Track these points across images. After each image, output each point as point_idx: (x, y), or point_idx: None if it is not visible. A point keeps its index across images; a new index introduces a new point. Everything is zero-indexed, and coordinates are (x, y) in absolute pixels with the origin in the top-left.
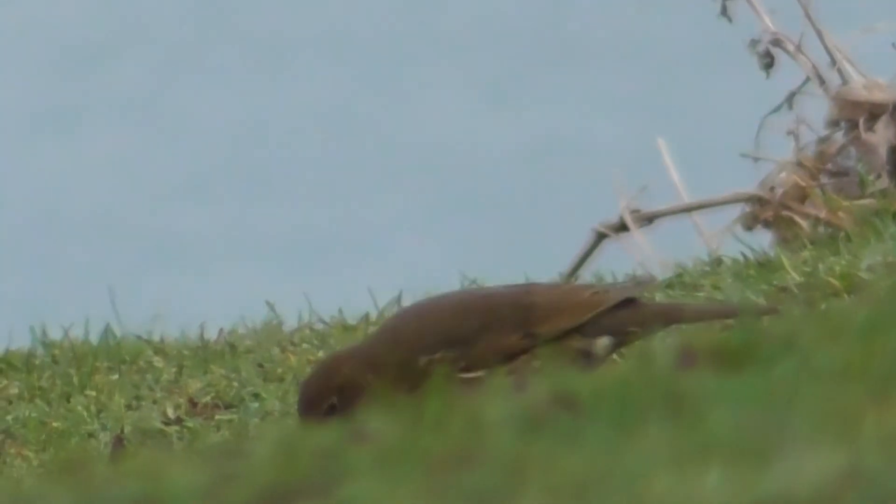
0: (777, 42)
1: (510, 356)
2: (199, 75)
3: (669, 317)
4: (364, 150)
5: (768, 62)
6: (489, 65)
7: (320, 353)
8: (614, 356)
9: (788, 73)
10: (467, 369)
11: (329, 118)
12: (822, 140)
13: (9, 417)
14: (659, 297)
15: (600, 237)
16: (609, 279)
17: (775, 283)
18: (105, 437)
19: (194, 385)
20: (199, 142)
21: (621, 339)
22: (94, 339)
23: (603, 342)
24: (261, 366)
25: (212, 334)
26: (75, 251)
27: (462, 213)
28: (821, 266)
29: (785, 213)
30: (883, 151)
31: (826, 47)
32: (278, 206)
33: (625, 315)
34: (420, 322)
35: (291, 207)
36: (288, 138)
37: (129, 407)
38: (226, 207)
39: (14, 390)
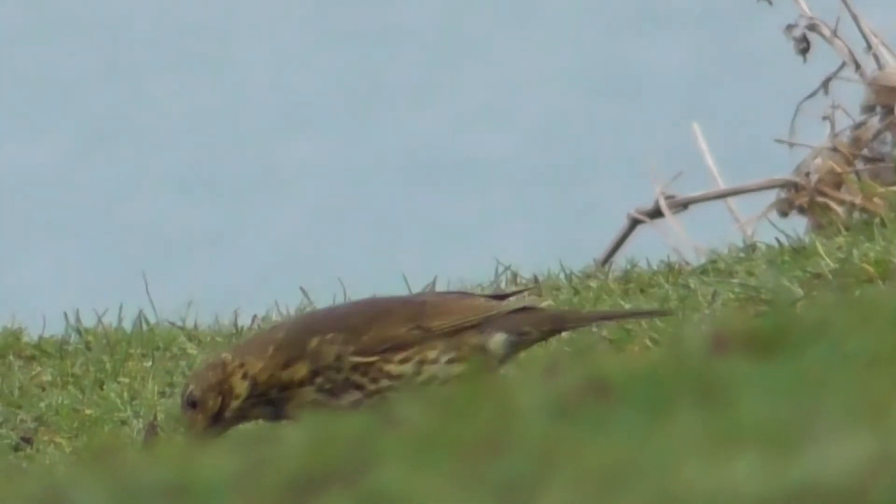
0: (813, 27)
1: (401, 346)
2: None
3: (560, 320)
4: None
5: (804, 47)
6: None
7: None
8: (514, 355)
9: (824, 58)
10: (360, 353)
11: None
12: (858, 125)
13: (42, 404)
14: (693, 284)
15: (635, 223)
16: (643, 265)
17: (809, 269)
18: (138, 425)
19: None
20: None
21: (517, 339)
22: (127, 325)
23: (498, 339)
24: None
25: (245, 321)
26: (106, 238)
27: (496, 200)
28: (855, 252)
29: (820, 199)
30: None
31: (862, 32)
32: (300, 196)
33: (518, 317)
34: (322, 313)
35: (313, 196)
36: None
37: (162, 394)
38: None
39: (47, 377)
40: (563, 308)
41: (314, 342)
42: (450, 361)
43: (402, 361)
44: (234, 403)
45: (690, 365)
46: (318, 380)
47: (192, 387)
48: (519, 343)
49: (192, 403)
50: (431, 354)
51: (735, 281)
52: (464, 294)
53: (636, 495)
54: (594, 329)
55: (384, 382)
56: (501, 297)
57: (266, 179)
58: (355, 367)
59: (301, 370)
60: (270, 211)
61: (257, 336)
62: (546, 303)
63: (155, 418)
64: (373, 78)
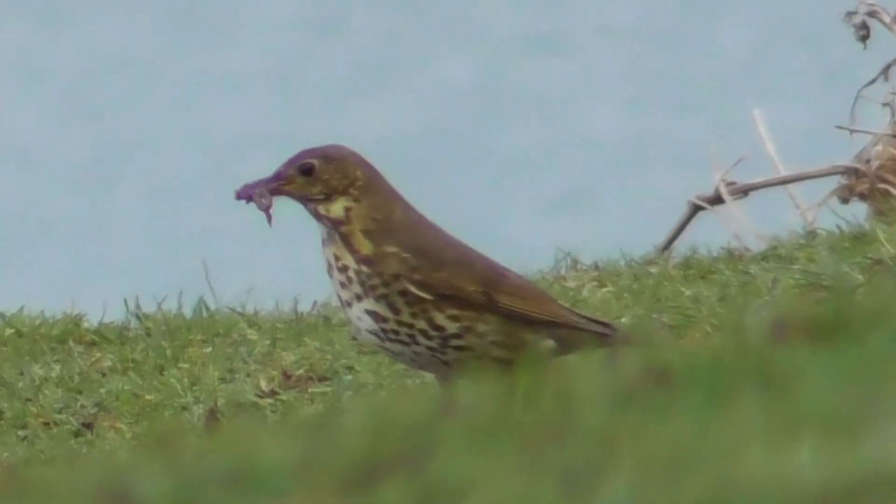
0: (873, 13)
1: (460, 300)
2: None
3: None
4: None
5: (864, 34)
6: None
7: None
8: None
9: (884, 45)
10: (421, 284)
11: None
12: None
13: (102, 390)
14: (754, 270)
15: (696, 209)
16: (704, 252)
17: (870, 255)
18: (198, 410)
19: (288, 358)
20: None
21: (562, 350)
22: (187, 311)
23: (548, 344)
24: (355, 338)
25: (306, 307)
26: (169, 223)
27: (556, 185)
28: None
29: (880, 185)
30: None
31: None
32: None
33: (570, 334)
34: (420, 221)
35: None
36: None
37: (222, 380)
38: None
39: (108, 363)
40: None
41: (391, 248)
42: (493, 343)
43: (453, 319)
44: (323, 209)
45: (751, 352)
46: (368, 269)
47: (316, 161)
48: (562, 354)
49: (307, 170)
50: (481, 328)
51: (795, 267)
52: (545, 291)
53: (698, 481)
54: (655, 315)
55: (420, 323)
56: (591, 319)
57: None
58: (405, 292)
59: (368, 248)
60: None
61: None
62: (605, 289)
63: (215, 404)
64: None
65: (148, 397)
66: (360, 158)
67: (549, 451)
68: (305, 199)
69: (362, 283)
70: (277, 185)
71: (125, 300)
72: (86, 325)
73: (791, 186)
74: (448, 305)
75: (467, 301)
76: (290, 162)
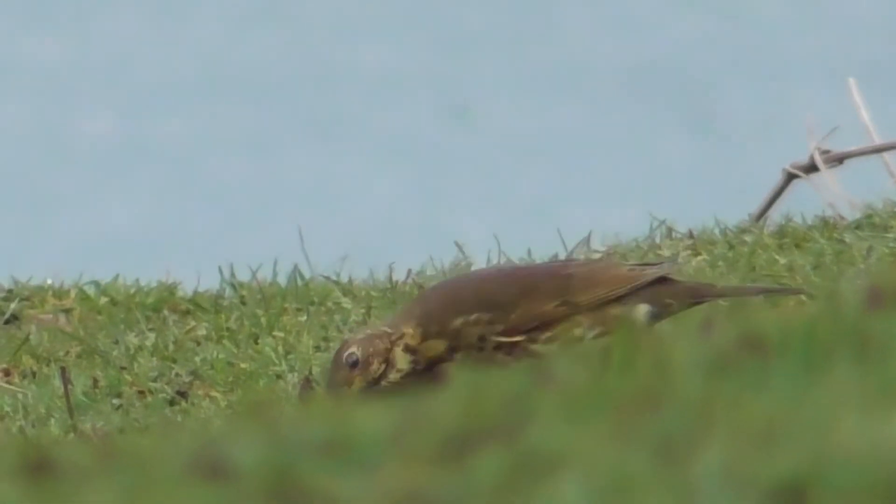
0: None
1: (548, 323)
2: None
3: (698, 293)
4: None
5: None
6: None
7: None
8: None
9: None
10: (505, 333)
11: None
12: None
13: (197, 359)
14: (849, 238)
15: (790, 178)
16: (798, 220)
17: None
18: (293, 379)
19: None
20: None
21: (659, 310)
22: (282, 280)
23: (642, 310)
24: None
25: (400, 275)
26: (260, 194)
27: (646, 156)
28: None
29: None
30: None
31: None
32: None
33: (661, 289)
34: (465, 287)
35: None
36: None
37: (317, 348)
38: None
39: (202, 332)
40: (700, 281)
41: (458, 322)
42: (596, 336)
43: (549, 340)
44: (394, 376)
45: (847, 320)
46: (458, 355)
47: (354, 348)
48: (660, 315)
49: (353, 364)
50: (578, 332)
51: (890, 236)
52: (606, 262)
53: (794, 451)
54: (749, 284)
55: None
56: (643, 265)
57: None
58: (498, 346)
59: (439, 347)
60: (417, 169)
61: (403, 309)
62: (699, 258)
63: (310, 373)
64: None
65: (242, 366)
66: (377, 332)
67: (643, 421)
68: (379, 382)
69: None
70: (347, 389)
71: (220, 268)
72: (180, 293)
73: (886, 155)
74: (539, 333)
75: (553, 319)
76: (336, 363)
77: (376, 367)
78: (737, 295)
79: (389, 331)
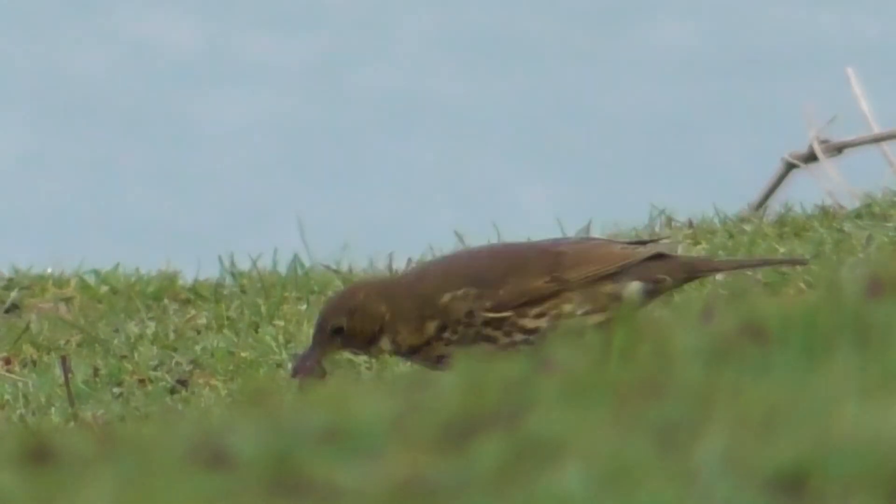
0: None
1: (537, 299)
2: None
3: (694, 267)
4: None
5: None
6: None
7: None
8: (648, 304)
9: None
10: (493, 309)
11: None
12: None
13: (197, 347)
14: (848, 227)
15: (789, 167)
16: (798, 209)
17: None
18: None
19: None
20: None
21: (653, 287)
22: (282, 269)
23: (634, 287)
24: None
25: (400, 264)
26: (261, 183)
27: (650, 144)
28: None
29: None
30: None
31: None
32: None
33: (653, 265)
34: (448, 264)
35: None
36: None
37: None
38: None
39: (202, 320)
40: (695, 256)
41: (446, 298)
42: (586, 313)
43: (538, 316)
44: (373, 351)
45: (846, 308)
46: (445, 334)
47: (343, 321)
48: (654, 291)
49: (338, 331)
50: (567, 307)
51: (890, 225)
52: (598, 240)
53: (795, 438)
54: (748, 273)
55: (518, 336)
56: (636, 243)
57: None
58: (487, 322)
59: (430, 328)
60: (419, 147)
61: (392, 279)
62: (699, 246)
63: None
64: None
65: (243, 354)
66: (374, 288)
67: (644, 408)
68: (356, 351)
69: (449, 344)
70: (323, 353)
71: (220, 257)
72: (181, 282)
73: (885, 144)
74: (528, 308)
75: (542, 295)
76: (320, 327)
77: (359, 339)
78: (734, 268)
79: (388, 320)
